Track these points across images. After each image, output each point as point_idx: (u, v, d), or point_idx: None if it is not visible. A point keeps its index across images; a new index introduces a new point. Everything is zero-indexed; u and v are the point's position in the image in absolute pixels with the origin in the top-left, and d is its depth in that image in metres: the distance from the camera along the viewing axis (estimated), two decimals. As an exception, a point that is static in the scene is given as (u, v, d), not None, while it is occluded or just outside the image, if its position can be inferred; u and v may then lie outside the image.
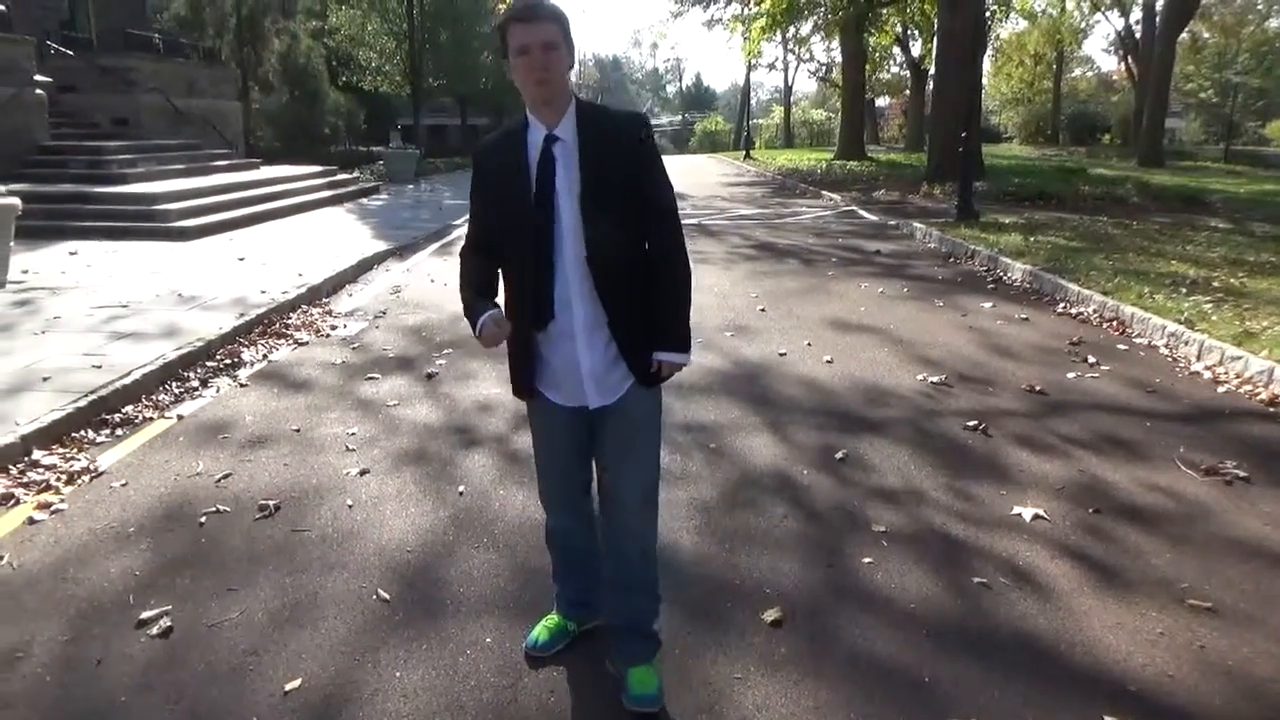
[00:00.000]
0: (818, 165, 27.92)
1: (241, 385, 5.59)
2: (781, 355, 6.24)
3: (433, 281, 9.23)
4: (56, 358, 5.66)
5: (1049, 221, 12.70)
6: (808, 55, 49.75)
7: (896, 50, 43.95)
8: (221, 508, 3.80)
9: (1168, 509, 3.83)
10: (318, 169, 18.26)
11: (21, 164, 12.69)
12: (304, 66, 27.33)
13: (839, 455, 4.39)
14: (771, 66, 55.73)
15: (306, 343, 6.67)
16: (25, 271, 8.61)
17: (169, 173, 14.02)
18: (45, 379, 5.20)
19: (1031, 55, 47.97)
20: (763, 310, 7.65)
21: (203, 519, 3.70)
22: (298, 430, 4.77)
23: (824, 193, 19.20)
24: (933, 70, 22.20)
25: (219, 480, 4.10)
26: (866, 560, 3.37)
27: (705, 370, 5.79)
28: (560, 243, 2.30)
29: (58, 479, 4.07)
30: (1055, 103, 49.01)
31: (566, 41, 2.25)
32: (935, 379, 5.63)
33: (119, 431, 4.75)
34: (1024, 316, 7.44)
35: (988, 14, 26.84)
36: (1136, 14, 39.90)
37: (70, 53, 17.37)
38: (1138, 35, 39.52)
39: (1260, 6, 43.58)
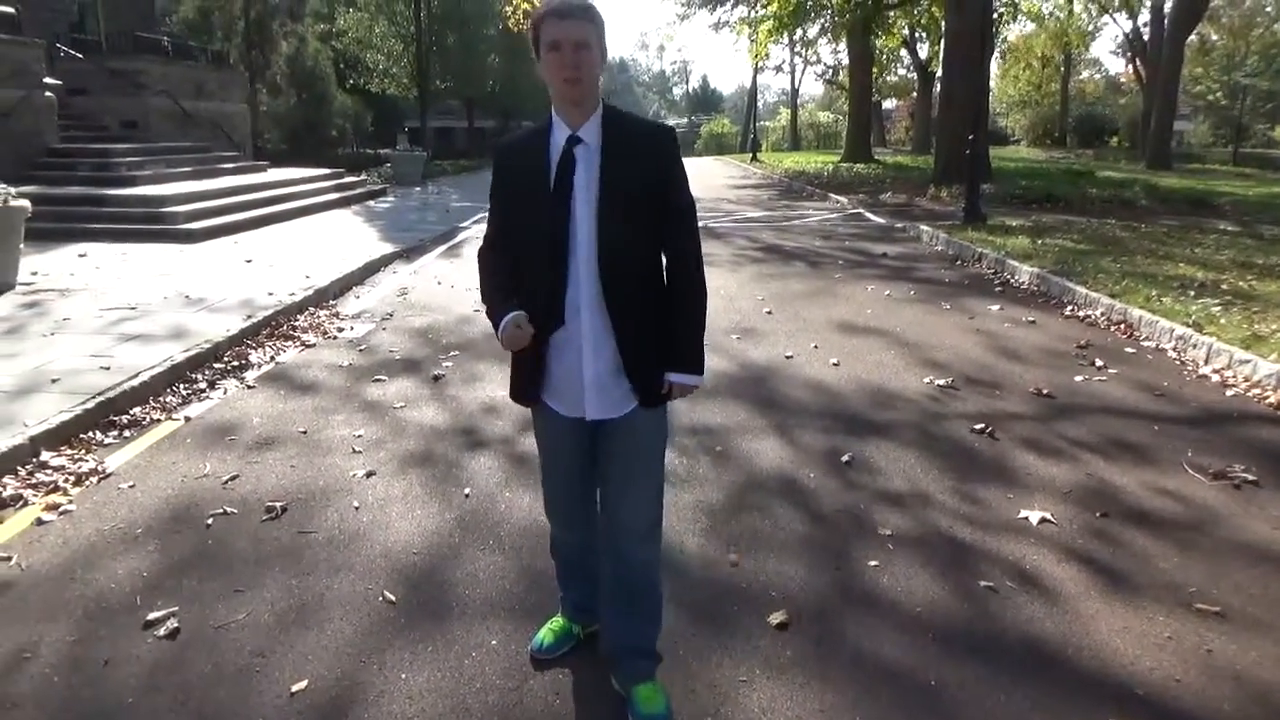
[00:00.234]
0: (824, 168, 27.91)
1: (249, 387, 5.60)
2: (788, 358, 6.24)
3: (439, 284, 9.25)
4: (65, 359, 5.69)
5: (1056, 224, 12.67)
6: (815, 58, 49.86)
7: (904, 52, 43.90)
8: (228, 509, 3.81)
9: (1176, 513, 3.81)
10: (325, 171, 18.32)
11: (31, 166, 12.76)
12: (311, 69, 27.41)
13: (845, 458, 4.39)
14: (778, 69, 55.80)
15: (313, 345, 6.69)
16: (34, 273, 8.65)
17: (177, 175, 14.08)
18: (54, 380, 5.22)
19: (1039, 57, 47.83)
20: (769, 313, 7.64)
21: (210, 520, 3.71)
22: (304, 432, 4.78)
23: (831, 195, 19.18)
24: (940, 73, 22.19)
25: (226, 482, 4.11)
26: (873, 563, 3.36)
27: (711, 373, 5.78)
28: (574, 247, 2.25)
29: (66, 480, 4.09)
30: (1063, 105, 48.89)
31: (600, 43, 2.21)
32: (942, 382, 5.62)
33: (127, 433, 4.76)
34: (1031, 319, 7.42)
35: (995, 16, 26.82)
36: (1144, 16, 39.79)
37: (80, 56, 17.45)
38: (1146, 37, 39.41)
39: (1269, 8, 43.42)
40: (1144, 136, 33.13)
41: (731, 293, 8.47)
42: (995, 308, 7.87)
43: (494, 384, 5.60)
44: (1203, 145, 46.63)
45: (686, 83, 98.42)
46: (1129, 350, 6.44)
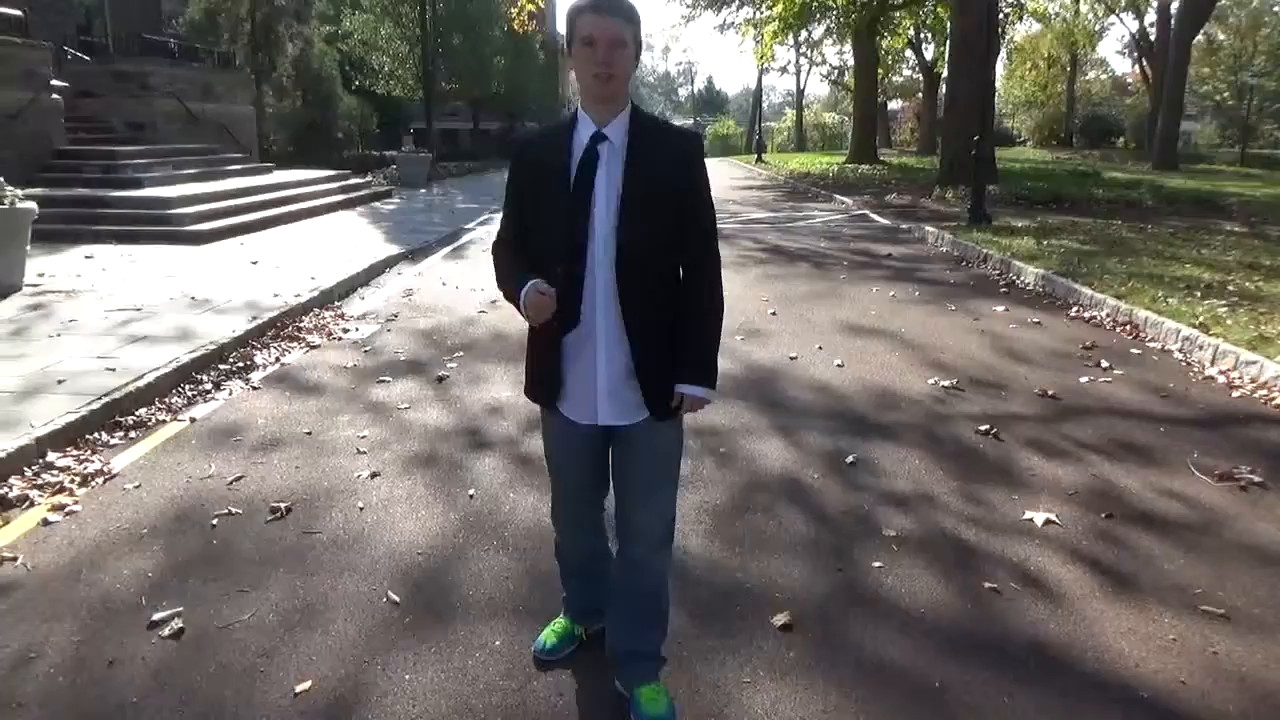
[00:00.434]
0: (830, 169, 27.90)
1: (254, 388, 5.61)
2: (792, 359, 6.23)
3: (444, 285, 9.26)
4: (71, 360, 5.71)
5: (1062, 225, 12.64)
6: (820, 59, 49.79)
7: (909, 53, 43.90)
8: (233, 510, 3.82)
9: (1181, 515, 3.80)
10: (330, 173, 18.35)
11: (38, 168, 12.79)
12: (317, 71, 27.46)
13: (849, 459, 4.38)
14: (784, 70, 55.87)
15: (318, 346, 6.70)
16: (41, 275, 8.68)
17: (183, 177, 14.12)
18: (60, 382, 5.24)
19: (1045, 58, 47.79)
20: (774, 314, 7.64)
21: (214, 521, 3.72)
22: (309, 433, 4.79)
23: (836, 196, 19.18)
24: (945, 73, 22.16)
25: (231, 483, 4.12)
26: (876, 564, 3.36)
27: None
28: (592, 247, 2.20)
29: (71, 481, 4.10)
30: (1069, 106, 48.79)
31: (636, 42, 2.16)
32: (946, 383, 5.61)
33: (132, 434, 4.78)
34: (1036, 320, 7.40)
35: (1001, 16, 26.79)
36: (1151, 16, 39.70)
37: (87, 58, 17.52)
38: (1152, 37, 39.31)
39: (1277, 8, 43.27)
40: (1150, 137, 33.04)
41: (736, 294, 8.45)
42: (1000, 309, 7.86)
43: (499, 385, 5.61)
44: (1210, 146, 46.47)
45: (692, 84, 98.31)
46: (1134, 351, 6.42)
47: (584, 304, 2.22)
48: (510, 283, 2.29)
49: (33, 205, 8.27)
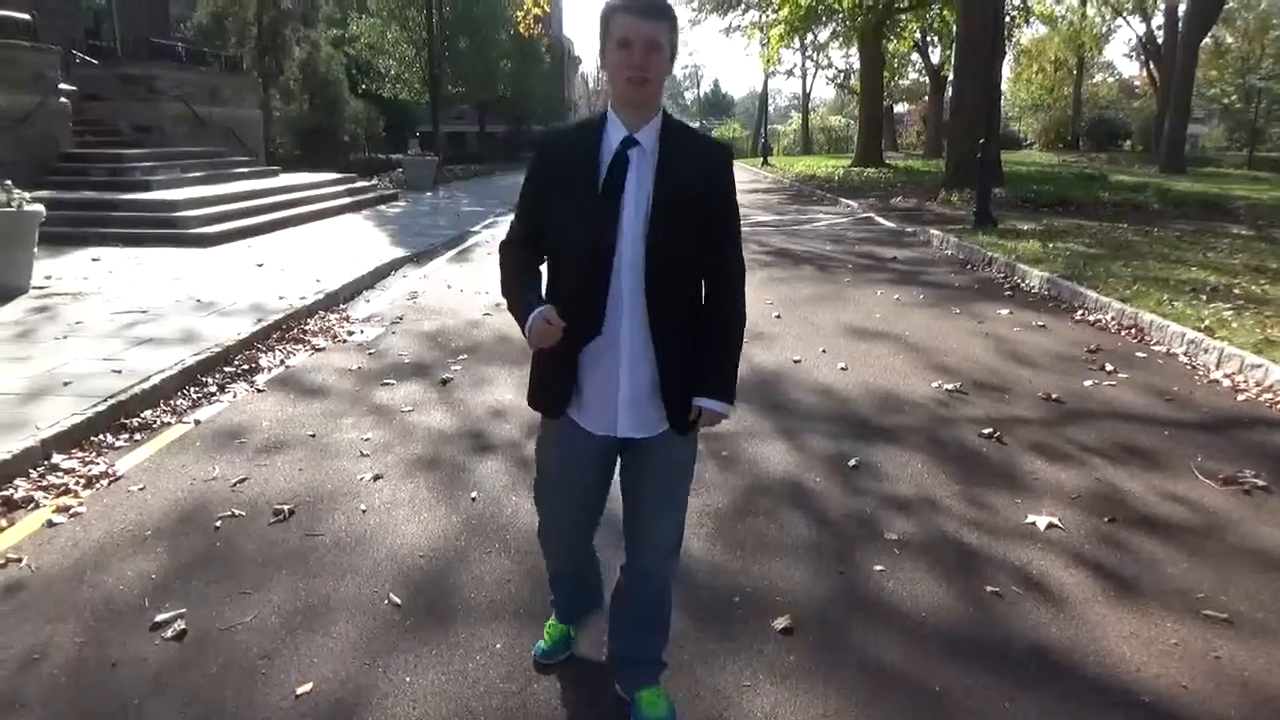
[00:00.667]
0: (835, 172, 27.88)
1: (259, 391, 5.63)
2: (796, 362, 6.23)
3: (449, 288, 9.28)
4: (77, 363, 5.73)
5: (1068, 228, 12.61)
6: (826, 62, 49.79)
7: (916, 56, 43.88)
8: (237, 512, 3.83)
9: (1185, 518, 3.79)
10: (336, 176, 18.40)
11: (46, 171, 12.85)
12: (324, 75, 27.54)
13: (852, 463, 4.38)
14: (790, 73, 55.89)
15: (323, 348, 6.72)
16: (48, 277, 8.72)
17: (190, 180, 14.17)
18: (66, 384, 5.26)
19: (1052, 61, 47.71)
20: (778, 317, 7.63)
21: (218, 523, 3.73)
22: (313, 435, 4.80)
23: (841, 199, 19.17)
24: (951, 76, 22.14)
25: (234, 485, 4.13)
26: (878, 568, 3.35)
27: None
28: (619, 253, 2.13)
29: (76, 483, 4.12)
30: (1076, 109, 48.68)
31: (672, 44, 2.09)
32: (950, 386, 5.60)
33: (137, 436, 4.79)
34: (1041, 324, 7.39)
35: (1007, 19, 26.75)
36: (1158, 19, 39.63)
37: (95, 62, 17.59)
38: (1159, 40, 39.22)
39: (1285, 11, 43.10)
40: (1157, 140, 32.96)
41: (740, 297, 8.45)
42: (1005, 312, 7.85)
43: (502, 388, 5.62)
44: (1217, 149, 46.29)
45: (698, 87, 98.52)
46: (1139, 355, 6.41)
47: (608, 314, 2.15)
48: (516, 296, 2.23)
49: (40, 208, 8.31)
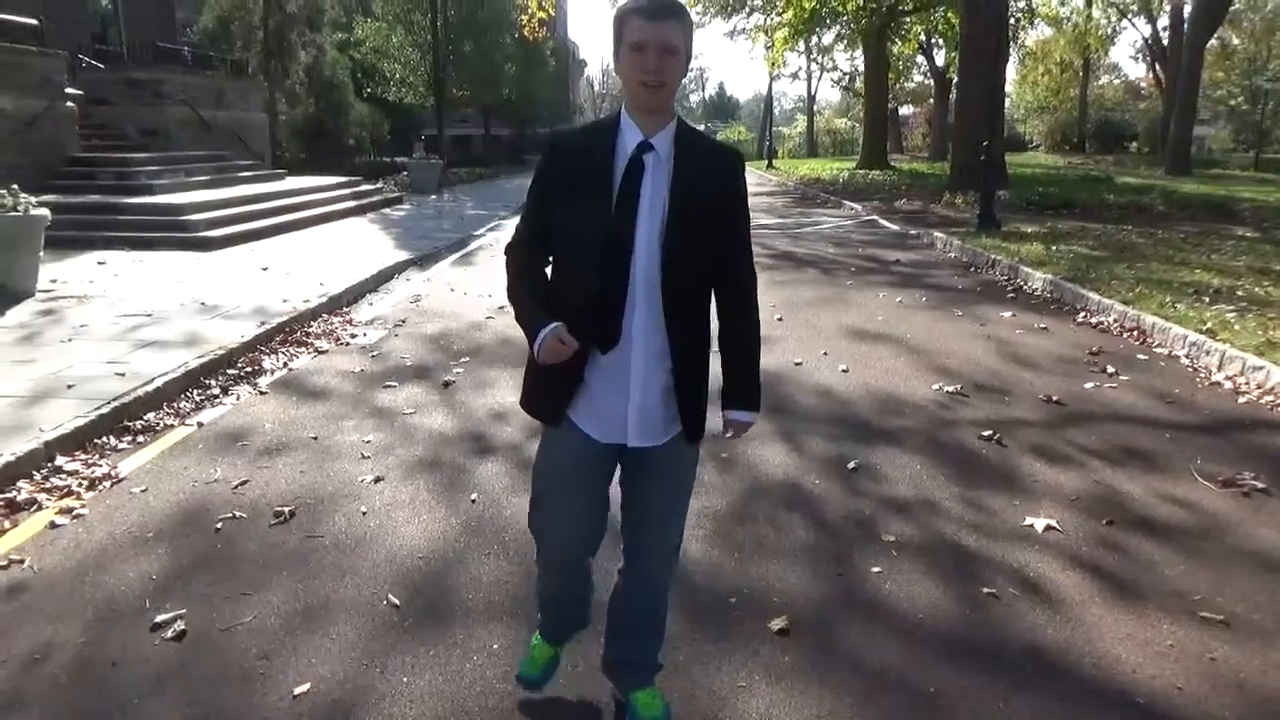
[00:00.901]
0: (840, 174, 27.90)
1: (261, 393, 5.66)
2: (797, 364, 6.24)
3: (452, 291, 9.31)
4: (82, 365, 5.76)
5: (1072, 231, 12.61)
6: (831, 64, 49.84)
7: (921, 59, 43.87)
8: (238, 514, 3.86)
9: (1183, 520, 3.80)
10: (341, 180, 18.45)
11: (52, 175, 12.91)
12: (329, 78, 27.63)
13: (851, 465, 4.39)
14: (795, 76, 55.90)
15: (326, 351, 6.75)
16: (54, 280, 8.77)
17: (195, 184, 14.22)
18: (70, 386, 5.30)
19: (1057, 63, 47.64)
20: (780, 319, 7.64)
21: (219, 525, 3.76)
22: (315, 438, 4.82)
23: (845, 202, 19.18)
24: (956, 79, 22.14)
25: (236, 487, 4.16)
26: (875, 570, 3.36)
27: (719, 378, 5.79)
28: (635, 260, 2.09)
29: (79, 485, 4.14)
30: (1081, 111, 48.57)
31: (687, 46, 2.05)
32: (951, 388, 5.61)
33: (140, 438, 4.82)
34: (1043, 326, 7.39)
35: (1012, 21, 26.75)
36: (1164, 20, 39.52)
37: (101, 66, 17.68)
38: (1165, 42, 39.13)
39: (1292, 12, 42.96)
40: (1163, 142, 32.88)
41: (743, 299, 8.46)
42: (1007, 314, 7.85)
43: (504, 390, 5.64)
44: (1224, 150, 46.13)
45: (703, 90, 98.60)
46: (1141, 357, 6.41)
47: (623, 320, 2.12)
48: (525, 305, 2.19)
49: (45, 212, 8.36)
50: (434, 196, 21.58)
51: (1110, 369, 6.05)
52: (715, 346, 2.33)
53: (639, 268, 2.09)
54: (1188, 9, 31.12)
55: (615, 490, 2.37)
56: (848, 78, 51.80)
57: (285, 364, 6.35)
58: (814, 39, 37.93)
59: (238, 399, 5.54)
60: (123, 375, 5.54)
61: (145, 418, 5.08)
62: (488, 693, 2.65)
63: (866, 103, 35.32)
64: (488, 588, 3.25)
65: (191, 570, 3.38)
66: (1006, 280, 9.62)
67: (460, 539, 3.63)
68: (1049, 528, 3.70)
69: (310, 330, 7.35)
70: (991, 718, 2.54)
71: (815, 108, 61.91)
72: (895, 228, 14.65)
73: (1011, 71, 46.85)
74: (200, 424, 5.06)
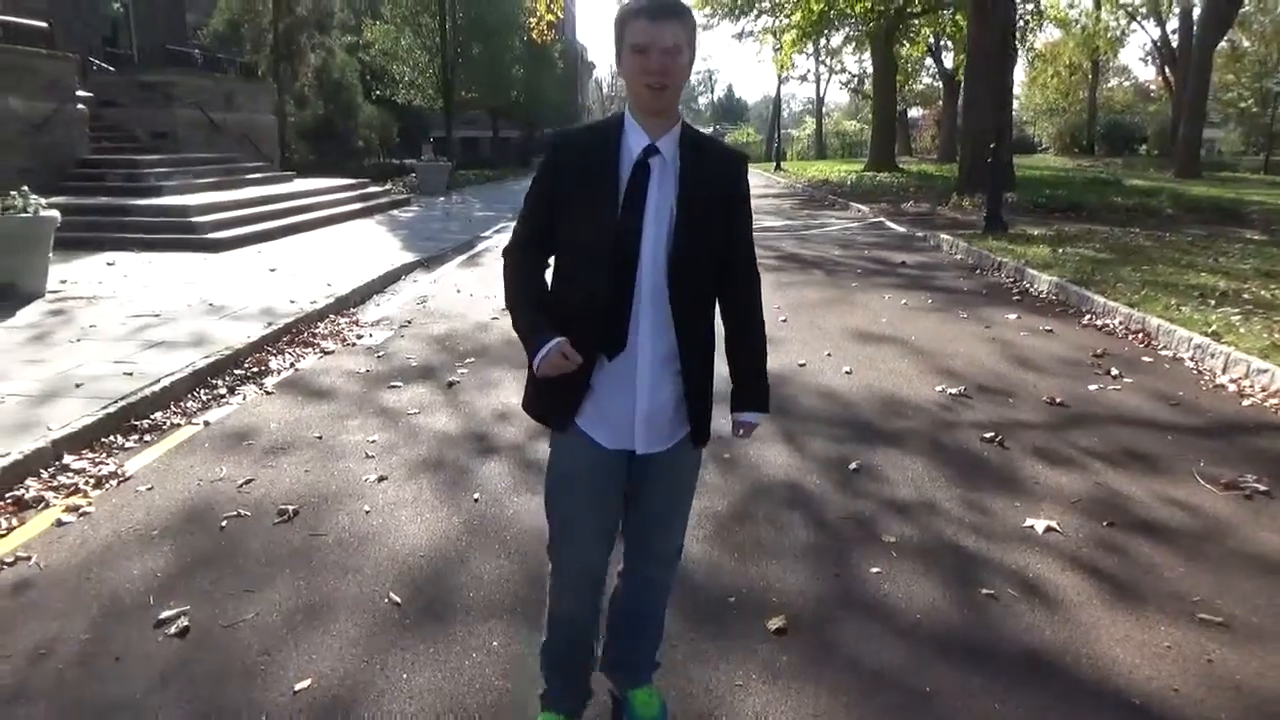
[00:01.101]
0: (848, 176, 27.87)
1: (267, 393, 5.70)
2: (801, 365, 6.25)
3: (459, 292, 9.34)
4: (90, 365, 5.81)
5: (1079, 233, 12.58)
6: (840, 66, 49.79)
7: (930, 61, 43.80)
8: (242, 512, 3.89)
9: (1184, 523, 3.80)
10: (349, 181, 18.53)
11: (63, 177, 13.01)
12: (339, 81, 27.78)
13: (853, 466, 4.40)
14: (803, 78, 55.82)
15: (333, 351, 6.79)
16: (63, 281, 8.84)
17: (204, 185, 14.31)
18: (78, 386, 5.34)
19: (1067, 65, 47.48)
20: (784, 320, 7.65)
21: (223, 523, 3.79)
22: (320, 437, 4.85)
23: (853, 204, 19.17)
24: (963, 80, 22.11)
25: (241, 485, 4.19)
26: (874, 570, 3.37)
27: (722, 379, 5.80)
28: (641, 265, 2.07)
29: (86, 483, 4.18)
30: (1090, 113, 48.45)
31: (690, 47, 2.02)
32: (954, 390, 5.61)
33: (147, 437, 4.86)
34: (1048, 328, 7.38)
35: (1021, 23, 26.69)
36: (1173, 23, 39.42)
37: (112, 69, 17.81)
38: (1175, 44, 39.00)
39: (1302, 14, 42.74)
40: (1173, 144, 32.78)
41: (748, 301, 8.47)
42: (1012, 316, 7.84)
43: (508, 391, 5.66)
44: (1234, 153, 45.97)
45: (711, 92, 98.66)
46: (1146, 359, 6.40)
47: (629, 326, 2.09)
48: (524, 313, 2.17)
49: (55, 214, 8.42)
50: (442, 198, 21.65)
51: (1114, 371, 6.04)
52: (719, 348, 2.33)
53: (645, 273, 2.07)
54: (1197, 11, 31.02)
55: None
56: (856, 80, 51.78)
57: (292, 364, 6.39)
58: (822, 41, 37.92)
59: (244, 399, 5.58)
60: (130, 375, 5.58)
61: (152, 417, 5.12)
62: (486, 689, 2.67)
63: (875, 105, 35.29)
64: (488, 586, 3.27)
65: (195, 567, 3.41)
66: (1012, 282, 9.61)
67: (462, 538, 3.66)
68: (1049, 529, 3.70)
69: (317, 331, 7.39)
70: (986, 717, 2.55)
71: (824, 109, 61.88)
72: (902, 230, 14.64)
73: (1020, 73, 46.86)
74: (207, 423, 5.10)
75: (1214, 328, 6.56)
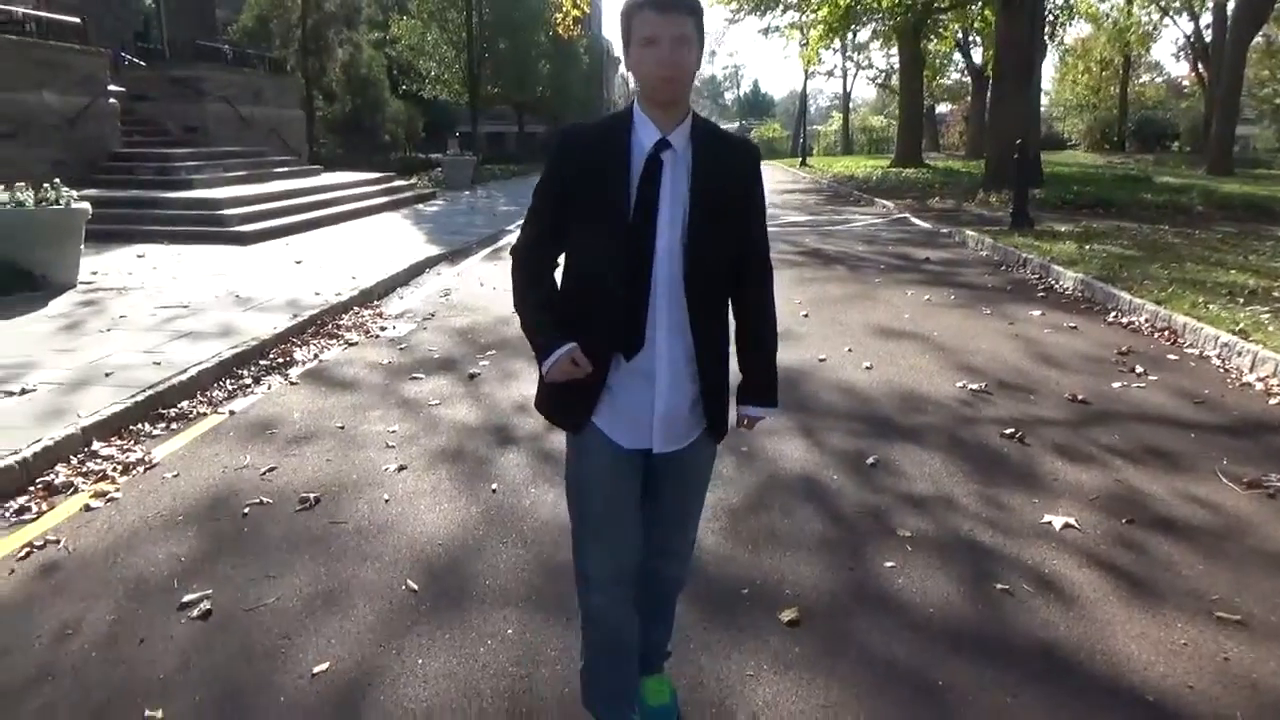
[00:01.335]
0: (874, 172, 27.69)
1: (292, 383, 5.77)
2: (821, 360, 6.24)
3: (482, 285, 9.40)
4: (119, 355, 5.92)
5: (1107, 230, 12.44)
6: (867, 62, 49.48)
7: (958, 56, 43.40)
8: (265, 499, 3.95)
9: (1204, 521, 3.76)
10: (375, 175, 18.68)
11: (95, 170, 13.22)
12: (366, 76, 27.99)
13: (870, 460, 4.39)
14: (830, 74, 55.54)
15: (356, 343, 6.86)
16: (94, 273, 8.99)
17: (232, 179, 14.48)
18: (108, 374, 5.44)
19: (1098, 60, 46.85)
20: (806, 316, 7.64)
21: (246, 510, 3.86)
22: (342, 427, 4.92)
23: (877, 200, 19.06)
24: (992, 76, 21.91)
25: (264, 473, 4.26)
26: (889, 564, 3.37)
27: (732, 372, 5.81)
28: (656, 262, 2.04)
29: (114, 469, 4.27)
30: (1122, 109, 47.75)
31: (699, 36, 1.99)
32: (975, 386, 5.58)
33: (174, 425, 4.95)
34: (1073, 325, 7.32)
35: (1051, 19, 26.39)
36: (1207, 18, 38.79)
37: (143, 64, 18.05)
38: (1208, 39, 38.39)
39: (1341, 9, 41.86)
40: (1205, 141, 32.27)
41: (769, 296, 8.47)
42: (1036, 313, 7.78)
43: (528, 383, 5.69)
44: (1268, 150, 45.17)
45: (738, 87, 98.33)
46: (1171, 357, 6.33)
47: (646, 325, 2.06)
48: (533, 316, 2.16)
49: (86, 206, 8.58)
50: (467, 193, 21.75)
51: (1139, 369, 5.98)
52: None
53: (660, 270, 2.04)
54: (1230, 6, 30.49)
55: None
56: (883, 75, 51.43)
57: (316, 355, 6.47)
58: (849, 36, 37.68)
59: (269, 389, 5.66)
60: (159, 364, 5.68)
61: (179, 405, 5.21)
62: (500, 675, 2.70)
63: (902, 100, 35.03)
64: (504, 575, 3.30)
65: (218, 553, 3.48)
66: (1037, 279, 9.53)
67: (479, 527, 3.70)
68: (1067, 526, 3.68)
69: (341, 323, 7.47)
70: (1000, 711, 2.55)
71: (851, 105, 61.53)
72: (927, 226, 14.54)
73: (1050, 69, 46.31)
74: (232, 412, 5.18)
75: (1242, 326, 6.48)
